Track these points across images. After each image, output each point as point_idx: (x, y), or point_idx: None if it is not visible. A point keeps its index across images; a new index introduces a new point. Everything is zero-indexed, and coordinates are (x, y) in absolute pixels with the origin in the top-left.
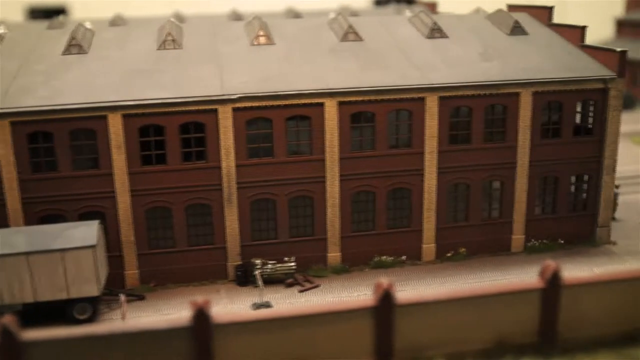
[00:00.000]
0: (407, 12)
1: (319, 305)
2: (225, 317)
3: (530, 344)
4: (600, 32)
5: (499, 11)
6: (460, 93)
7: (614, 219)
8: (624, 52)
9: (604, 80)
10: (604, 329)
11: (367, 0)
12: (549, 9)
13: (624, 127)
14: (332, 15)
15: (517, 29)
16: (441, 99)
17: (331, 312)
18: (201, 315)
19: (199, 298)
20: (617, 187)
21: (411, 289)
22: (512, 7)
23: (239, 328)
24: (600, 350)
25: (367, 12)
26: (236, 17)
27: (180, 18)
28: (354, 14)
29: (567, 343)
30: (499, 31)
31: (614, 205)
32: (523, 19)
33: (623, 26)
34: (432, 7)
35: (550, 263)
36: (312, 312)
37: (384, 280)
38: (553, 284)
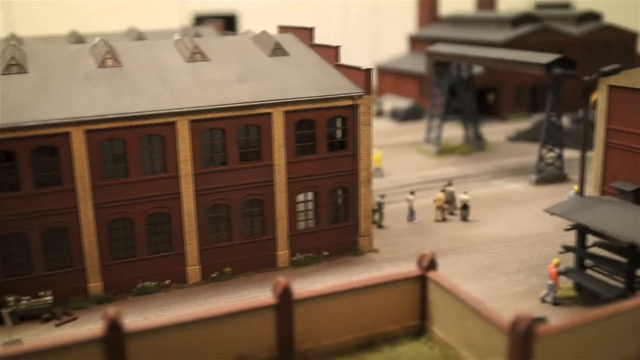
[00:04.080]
0: (175, 36)
1: (49, 339)
2: None
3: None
4: (399, 47)
5: (263, 32)
6: (211, 116)
7: (381, 226)
8: (369, 70)
9: (352, 97)
10: (342, 337)
11: (189, 18)
12: (310, 30)
13: (411, 137)
14: (95, 41)
15: (277, 50)
16: (192, 122)
17: (61, 346)
18: None
19: None
20: (382, 196)
21: (171, 313)
22: (283, 28)
23: None
24: (338, 358)
25: (158, 34)
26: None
27: None
28: (141, 37)
29: (306, 355)
30: (261, 52)
31: (381, 214)
32: (287, 39)
33: (415, 41)
34: (219, 27)
35: (281, 279)
36: (39, 347)
37: (112, 310)
38: (285, 300)
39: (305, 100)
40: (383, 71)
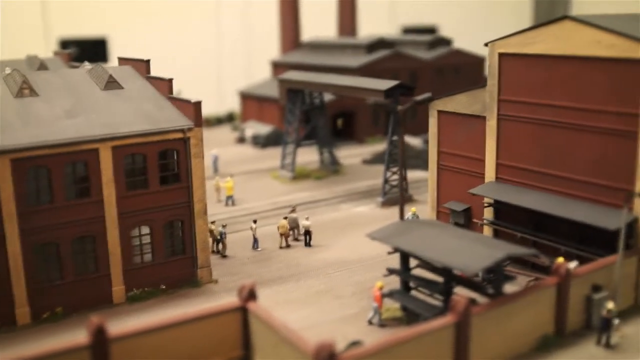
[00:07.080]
0: (6, 70)
1: None
2: None
3: None
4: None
5: (97, 66)
6: (34, 153)
7: (225, 256)
8: (198, 103)
9: (182, 130)
10: None
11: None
12: (147, 62)
13: (270, 163)
14: None
15: (111, 84)
16: (14, 161)
17: None
18: None
19: None
20: (224, 226)
21: None
22: (122, 60)
23: None
24: None
25: (4, 64)
26: None
27: None
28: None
29: None
30: (95, 86)
31: (223, 244)
32: (123, 72)
33: (277, 67)
34: (67, 58)
35: (94, 319)
36: None
37: None
38: (99, 339)
39: (133, 135)
40: (246, 97)
